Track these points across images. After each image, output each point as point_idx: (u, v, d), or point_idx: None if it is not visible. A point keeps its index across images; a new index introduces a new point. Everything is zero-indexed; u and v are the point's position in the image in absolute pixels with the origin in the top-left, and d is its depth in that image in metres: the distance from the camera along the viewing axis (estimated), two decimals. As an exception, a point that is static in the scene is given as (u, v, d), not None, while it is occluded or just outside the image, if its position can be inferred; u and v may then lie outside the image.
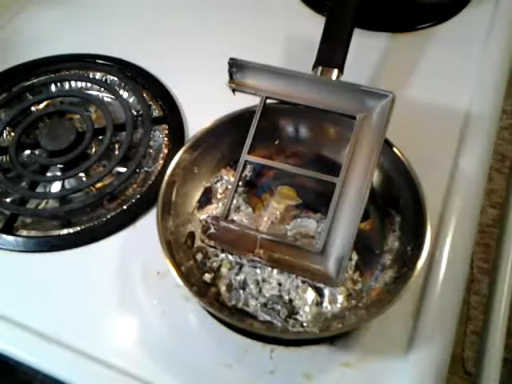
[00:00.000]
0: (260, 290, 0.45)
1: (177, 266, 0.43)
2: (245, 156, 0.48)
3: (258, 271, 0.46)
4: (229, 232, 0.47)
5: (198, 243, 0.48)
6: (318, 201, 0.50)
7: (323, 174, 0.47)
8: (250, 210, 0.50)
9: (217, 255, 0.47)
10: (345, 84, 0.48)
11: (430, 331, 0.44)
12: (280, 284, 0.45)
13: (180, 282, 0.42)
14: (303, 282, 0.45)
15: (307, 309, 0.44)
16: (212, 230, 0.48)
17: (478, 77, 0.61)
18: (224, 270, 0.47)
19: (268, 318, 0.44)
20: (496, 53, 0.63)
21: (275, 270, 0.46)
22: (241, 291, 0.45)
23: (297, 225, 0.49)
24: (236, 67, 0.50)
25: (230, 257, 0.47)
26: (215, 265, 0.47)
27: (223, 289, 0.46)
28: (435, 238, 0.49)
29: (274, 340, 0.44)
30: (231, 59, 0.50)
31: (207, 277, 0.46)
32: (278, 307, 0.44)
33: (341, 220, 0.45)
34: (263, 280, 0.46)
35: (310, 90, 0.49)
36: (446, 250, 0.48)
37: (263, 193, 0.51)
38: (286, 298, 0.45)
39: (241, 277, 0.46)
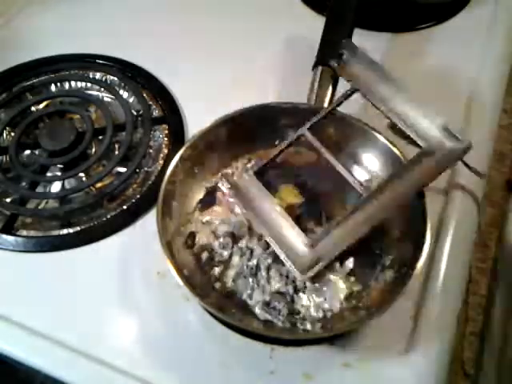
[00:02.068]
0: (269, 280, 0.45)
1: (177, 265, 0.43)
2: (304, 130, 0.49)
3: (267, 255, 0.46)
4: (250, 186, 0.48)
5: (200, 242, 0.48)
6: (320, 200, 0.50)
7: (356, 180, 0.47)
8: None
9: (224, 247, 0.47)
10: (430, 113, 0.46)
11: (430, 331, 0.44)
12: (287, 276, 0.45)
13: (180, 282, 0.41)
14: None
15: (308, 309, 0.44)
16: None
17: (477, 76, 0.61)
18: (236, 259, 0.47)
19: (268, 317, 0.44)
20: (496, 53, 0.63)
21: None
22: (250, 279, 0.45)
23: None
24: (348, 50, 0.49)
25: (240, 244, 0.47)
26: (226, 254, 0.47)
27: (229, 280, 0.46)
28: (435, 238, 0.49)
29: (274, 340, 0.44)
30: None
31: (216, 271, 0.46)
32: (280, 306, 0.44)
33: (343, 229, 0.45)
34: (273, 262, 0.46)
35: (399, 103, 0.47)
36: (446, 250, 0.48)
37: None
38: (290, 292, 0.45)
39: (253, 262, 0.46)
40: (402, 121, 0.46)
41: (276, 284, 0.45)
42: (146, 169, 0.56)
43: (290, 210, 0.49)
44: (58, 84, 0.64)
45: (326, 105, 0.50)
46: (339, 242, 0.45)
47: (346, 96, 0.48)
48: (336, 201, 0.50)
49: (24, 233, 0.52)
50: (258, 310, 0.44)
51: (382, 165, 0.50)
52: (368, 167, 0.51)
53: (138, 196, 0.53)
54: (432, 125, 0.45)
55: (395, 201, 0.44)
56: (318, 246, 0.45)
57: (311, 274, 0.44)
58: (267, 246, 0.47)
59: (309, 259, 0.45)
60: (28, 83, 0.64)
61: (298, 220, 0.48)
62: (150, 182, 0.54)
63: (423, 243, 0.42)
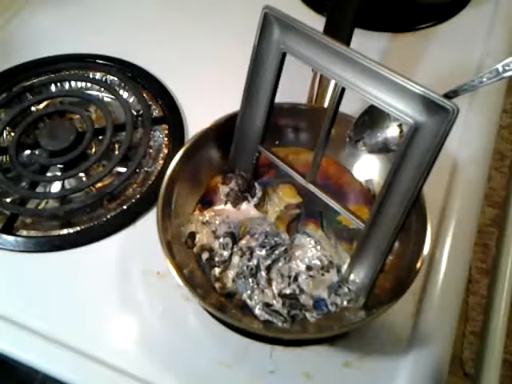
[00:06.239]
0: (269, 281, 0.45)
1: (177, 265, 0.43)
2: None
3: (264, 253, 0.46)
4: None
5: (200, 242, 0.48)
6: (317, 200, 0.50)
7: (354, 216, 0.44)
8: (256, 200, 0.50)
9: (224, 247, 0.47)
10: (405, 81, 0.40)
11: (430, 331, 0.44)
12: (289, 277, 0.45)
13: (180, 281, 0.41)
14: (310, 276, 0.45)
15: (307, 309, 0.44)
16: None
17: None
18: (236, 259, 0.47)
19: (268, 317, 0.44)
20: (496, 53, 0.63)
21: (282, 262, 0.46)
22: (250, 279, 0.45)
23: None
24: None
25: (240, 244, 0.47)
26: (226, 254, 0.47)
27: (229, 281, 0.46)
28: (435, 238, 0.49)
29: (273, 340, 0.44)
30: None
31: (216, 271, 0.46)
32: (280, 307, 0.44)
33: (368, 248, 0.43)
34: (273, 262, 0.46)
35: (360, 73, 0.40)
36: (445, 250, 0.49)
37: (266, 186, 0.51)
38: (290, 292, 0.45)
39: (253, 262, 0.46)
40: (379, 100, 0.40)
41: (278, 285, 0.45)
42: (146, 169, 0.56)
43: (288, 209, 0.49)
44: (58, 84, 0.64)
45: (326, 105, 0.50)
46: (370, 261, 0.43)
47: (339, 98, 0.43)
48: (335, 201, 0.50)
49: (24, 233, 0.52)
50: (257, 311, 0.44)
51: (382, 164, 0.50)
52: (368, 166, 0.51)
53: (138, 196, 0.53)
54: (411, 98, 0.40)
55: (405, 194, 0.39)
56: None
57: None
58: (267, 246, 0.47)
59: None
60: (28, 83, 0.64)
61: (298, 220, 0.48)
62: (149, 182, 0.54)
63: (423, 243, 0.42)
